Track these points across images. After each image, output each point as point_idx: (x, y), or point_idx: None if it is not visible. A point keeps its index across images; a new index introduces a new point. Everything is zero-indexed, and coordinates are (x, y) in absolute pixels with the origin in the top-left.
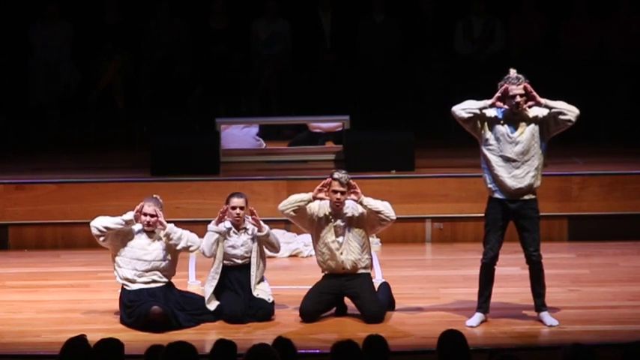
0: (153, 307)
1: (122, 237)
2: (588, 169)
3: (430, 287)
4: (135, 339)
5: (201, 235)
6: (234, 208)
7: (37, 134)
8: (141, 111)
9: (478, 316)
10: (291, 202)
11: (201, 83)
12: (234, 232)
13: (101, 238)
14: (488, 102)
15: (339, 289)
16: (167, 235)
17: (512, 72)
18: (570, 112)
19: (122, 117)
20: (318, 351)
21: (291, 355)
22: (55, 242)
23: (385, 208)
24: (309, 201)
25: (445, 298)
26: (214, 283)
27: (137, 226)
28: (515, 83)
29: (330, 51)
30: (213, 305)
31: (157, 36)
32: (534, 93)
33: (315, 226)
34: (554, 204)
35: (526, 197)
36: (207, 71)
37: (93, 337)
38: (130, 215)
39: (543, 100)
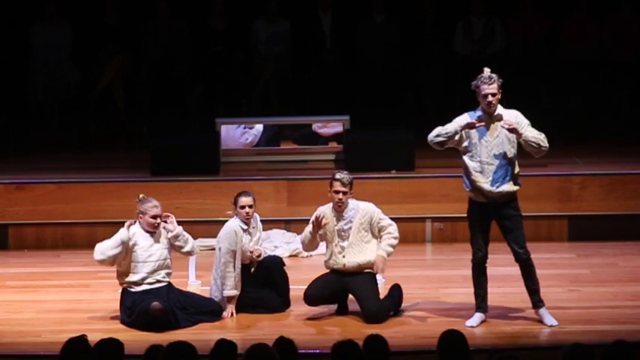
0: (153, 303)
1: (125, 249)
2: (588, 169)
3: (430, 287)
4: (135, 339)
5: (202, 235)
6: (242, 207)
7: (37, 134)
8: (141, 111)
9: (478, 316)
10: (304, 242)
11: (201, 83)
12: (246, 232)
13: (108, 266)
14: (459, 127)
15: (343, 285)
16: (176, 237)
17: (486, 71)
18: (538, 149)
19: (122, 117)
20: (318, 351)
21: (291, 355)
22: (55, 242)
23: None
24: (313, 236)
25: (445, 298)
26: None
27: (134, 230)
28: (487, 83)
29: (330, 51)
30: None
31: (157, 36)
32: (515, 126)
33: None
34: (554, 204)
35: (505, 200)
36: (207, 71)
37: (93, 337)
38: (124, 234)
39: (524, 135)
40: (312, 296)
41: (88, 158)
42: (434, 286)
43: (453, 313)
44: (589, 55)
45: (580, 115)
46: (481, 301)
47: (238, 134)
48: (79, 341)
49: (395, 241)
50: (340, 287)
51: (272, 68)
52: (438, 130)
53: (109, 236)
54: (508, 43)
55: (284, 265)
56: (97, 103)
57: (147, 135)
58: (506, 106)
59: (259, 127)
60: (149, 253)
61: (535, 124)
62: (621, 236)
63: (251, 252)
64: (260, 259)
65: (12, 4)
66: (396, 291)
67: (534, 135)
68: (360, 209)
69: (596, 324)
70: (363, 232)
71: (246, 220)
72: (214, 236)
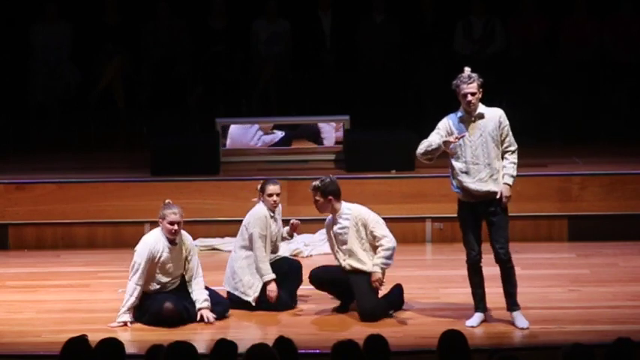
0: (165, 304)
1: (150, 266)
2: (588, 169)
3: (430, 287)
4: (135, 339)
5: (202, 235)
6: (270, 195)
7: (37, 134)
8: (141, 111)
9: (478, 316)
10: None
11: (201, 83)
12: (273, 219)
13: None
14: (441, 143)
15: (346, 277)
16: (188, 262)
17: (466, 71)
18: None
19: (122, 117)
20: (318, 351)
21: (291, 355)
22: (55, 242)
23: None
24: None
25: (445, 298)
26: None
27: (155, 243)
28: (467, 82)
29: (330, 51)
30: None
31: (157, 36)
32: (504, 198)
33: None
34: (554, 204)
35: (492, 198)
36: (207, 71)
37: (93, 337)
38: (127, 316)
39: (509, 180)
40: (317, 276)
41: (88, 158)
42: (434, 286)
43: (453, 313)
44: (589, 55)
45: (580, 115)
46: (479, 301)
47: (250, 135)
48: (79, 341)
49: (387, 253)
50: (344, 276)
51: (272, 68)
52: (424, 146)
53: (109, 237)
54: (508, 43)
55: (301, 270)
56: (97, 103)
57: (147, 135)
58: (507, 106)
59: (275, 137)
60: (168, 266)
61: (535, 124)
62: (621, 236)
63: (292, 224)
64: (297, 230)
65: (12, 4)
66: (396, 290)
67: (514, 167)
68: (353, 215)
69: (596, 324)
70: (359, 238)
71: (273, 208)
72: (214, 236)
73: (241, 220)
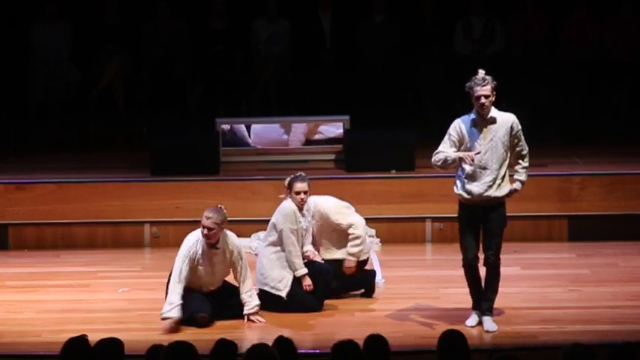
0: (200, 314)
1: (191, 266)
2: (588, 169)
3: (430, 287)
4: (135, 339)
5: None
6: (298, 192)
7: (37, 134)
8: (141, 111)
9: (476, 315)
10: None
11: (201, 83)
12: (301, 214)
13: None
14: (456, 157)
15: None
16: (235, 267)
17: (480, 73)
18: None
19: (122, 117)
20: (318, 351)
21: (291, 355)
22: (55, 242)
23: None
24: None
25: (445, 298)
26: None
27: (196, 242)
28: (481, 84)
29: (330, 51)
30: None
31: (157, 36)
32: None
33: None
34: (554, 204)
35: (493, 204)
36: (207, 71)
37: (93, 337)
38: (172, 313)
39: (519, 186)
40: None
41: (88, 158)
42: (434, 286)
43: (453, 313)
44: (589, 55)
45: (580, 115)
46: (478, 302)
47: (281, 132)
48: (79, 341)
49: (357, 241)
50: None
51: (272, 68)
52: (440, 158)
53: (109, 237)
54: (508, 43)
55: (332, 277)
56: (97, 103)
57: (147, 135)
58: (507, 105)
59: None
60: (211, 277)
61: (535, 124)
62: (621, 236)
63: (307, 256)
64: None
65: (12, 4)
66: (366, 274)
67: (525, 172)
68: (315, 210)
69: (596, 324)
70: (327, 231)
71: (301, 205)
72: None
73: (241, 220)
